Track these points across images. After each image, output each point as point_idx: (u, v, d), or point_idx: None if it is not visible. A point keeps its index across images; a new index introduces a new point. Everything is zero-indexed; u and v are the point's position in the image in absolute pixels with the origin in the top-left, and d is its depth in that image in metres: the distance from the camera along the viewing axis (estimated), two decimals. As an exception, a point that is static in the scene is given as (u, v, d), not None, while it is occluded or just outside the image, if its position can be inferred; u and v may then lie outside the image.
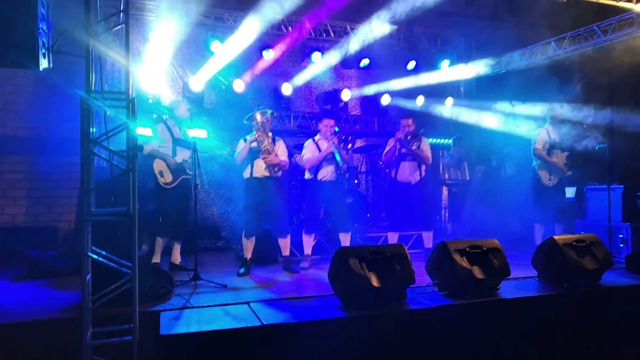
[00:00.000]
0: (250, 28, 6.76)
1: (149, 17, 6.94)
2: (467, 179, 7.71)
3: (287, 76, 7.87)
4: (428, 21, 8.32)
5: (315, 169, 5.41)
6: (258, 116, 5.03)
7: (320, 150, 5.40)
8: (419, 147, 5.62)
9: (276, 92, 7.87)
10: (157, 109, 6.07)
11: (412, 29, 8.65)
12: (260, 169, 5.05)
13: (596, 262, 4.24)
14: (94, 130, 2.89)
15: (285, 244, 5.22)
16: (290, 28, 7.51)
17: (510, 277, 4.01)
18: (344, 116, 8.46)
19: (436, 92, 8.61)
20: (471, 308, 3.65)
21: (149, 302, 3.51)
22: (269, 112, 5.13)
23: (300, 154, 5.74)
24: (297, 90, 8.01)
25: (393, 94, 8.38)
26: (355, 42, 7.53)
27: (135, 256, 2.89)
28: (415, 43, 8.55)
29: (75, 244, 5.77)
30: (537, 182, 5.94)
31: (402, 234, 5.98)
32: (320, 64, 7.74)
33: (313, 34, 7.71)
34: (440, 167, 8.45)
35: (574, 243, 4.29)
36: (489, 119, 8.20)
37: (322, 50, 7.71)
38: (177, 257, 5.15)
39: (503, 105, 8.09)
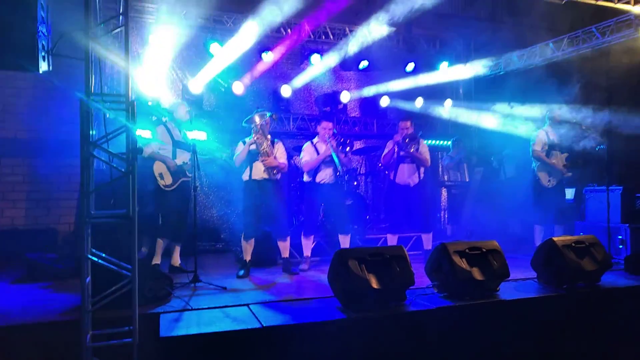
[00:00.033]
0: (250, 31, 6.78)
1: (148, 20, 6.96)
2: (467, 180, 7.72)
3: (287, 78, 7.88)
4: (427, 23, 8.34)
5: (314, 171, 5.41)
6: (257, 119, 5.03)
7: (318, 153, 5.40)
8: (417, 149, 5.63)
9: (275, 94, 7.88)
10: (156, 112, 6.08)
11: (411, 30, 8.67)
12: (259, 171, 5.05)
13: (595, 263, 4.25)
14: (94, 132, 2.90)
15: (284, 246, 5.23)
16: (289, 30, 7.53)
17: (509, 278, 4.01)
18: (343, 118, 8.47)
19: (435, 94, 8.62)
20: (471, 309, 3.65)
21: (148, 304, 3.51)
22: (268, 114, 5.13)
23: (299, 155, 5.74)
24: (296, 92, 8.02)
25: (392, 95, 8.40)
26: (354, 44, 7.55)
27: (135, 258, 2.89)
28: (414, 45, 8.57)
29: (75, 246, 5.77)
30: (537, 184, 5.94)
31: (402, 236, 5.98)
32: (320, 66, 7.75)
33: (312, 36, 7.73)
34: (440, 169, 8.46)
35: (573, 244, 4.30)
36: (488, 120, 8.21)
37: (321, 52, 7.73)
38: (176, 259, 5.15)
39: (502, 107, 8.11)
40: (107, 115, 2.98)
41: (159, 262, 4.96)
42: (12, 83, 6.34)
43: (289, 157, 6.02)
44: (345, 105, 8.53)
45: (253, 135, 5.04)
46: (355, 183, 7.55)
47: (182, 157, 5.04)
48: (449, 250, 3.85)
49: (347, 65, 8.08)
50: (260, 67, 7.44)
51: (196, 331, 2.99)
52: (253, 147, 5.03)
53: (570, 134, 6.06)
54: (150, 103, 6.37)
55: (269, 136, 5.14)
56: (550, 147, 5.86)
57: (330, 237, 6.12)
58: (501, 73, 8.64)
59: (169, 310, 3.45)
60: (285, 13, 6.38)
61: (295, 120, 8.07)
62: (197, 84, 7.02)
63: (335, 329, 3.25)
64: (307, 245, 5.50)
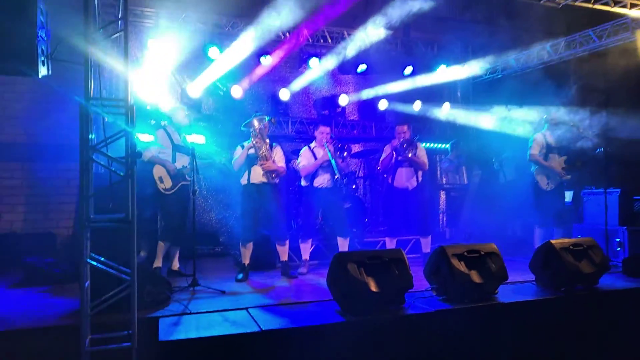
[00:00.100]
0: (248, 35, 6.79)
1: (147, 24, 6.98)
2: (465, 183, 7.73)
3: (285, 82, 7.90)
4: (424, 26, 8.37)
5: (312, 176, 5.42)
6: (255, 123, 5.04)
7: (315, 158, 5.41)
8: (414, 154, 5.65)
9: (274, 97, 7.89)
10: (155, 115, 6.09)
11: (409, 34, 8.70)
12: (257, 175, 5.06)
13: (593, 265, 4.26)
14: (93, 136, 2.91)
15: (283, 250, 5.23)
16: (287, 34, 7.55)
17: (508, 281, 4.02)
18: (341, 121, 8.49)
19: (433, 97, 8.65)
20: (469, 312, 3.66)
21: (147, 308, 3.51)
22: (267, 118, 5.15)
23: (297, 160, 5.75)
24: (294, 95, 8.04)
25: (390, 99, 8.42)
26: (352, 47, 7.57)
27: (134, 262, 2.89)
28: (412, 48, 8.60)
29: (73, 250, 5.76)
30: (536, 187, 5.95)
31: (400, 239, 5.99)
32: (318, 70, 7.77)
33: (310, 40, 7.75)
34: (438, 172, 8.48)
35: (571, 247, 4.31)
36: (486, 123, 8.24)
37: (320, 56, 7.75)
38: (175, 263, 5.16)
39: (499, 110, 8.13)
40: (106, 119, 2.99)
41: (160, 265, 4.96)
42: (11, 87, 6.35)
43: (288, 160, 6.03)
44: (343, 109, 8.55)
45: (252, 139, 5.05)
46: (353, 186, 7.56)
47: (182, 161, 5.05)
48: (447, 253, 3.86)
49: (345, 68, 8.11)
50: (259, 71, 7.45)
51: (195, 335, 2.99)
52: (252, 151, 5.03)
53: (569, 137, 6.08)
54: (148, 107, 6.38)
55: (267, 140, 5.15)
56: (548, 150, 5.87)
57: (328, 240, 6.12)
58: (499, 76, 8.68)
59: (168, 314, 3.44)
60: (284, 18, 6.40)
61: (293, 124, 8.08)
62: (196, 87, 7.03)
63: (334, 333, 3.25)
64: (306, 249, 5.50)
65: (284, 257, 5.24)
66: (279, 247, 5.24)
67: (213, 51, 6.96)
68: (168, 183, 4.96)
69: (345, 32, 7.85)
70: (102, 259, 2.93)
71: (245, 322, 3.28)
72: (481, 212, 7.11)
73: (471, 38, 8.62)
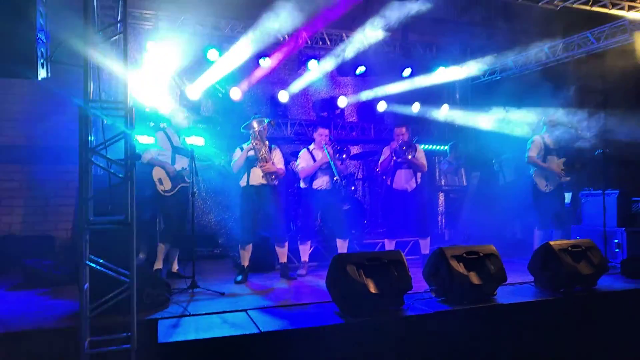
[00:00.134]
0: (247, 37, 6.81)
1: (146, 26, 6.99)
2: (464, 184, 7.74)
3: (284, 84, 7.91)
4: (423, 28, 8.40)
5: (310, 178, 5.43)
6: (255, 125, 5.04)
7: (314, 160, 5.42)
8: (414, 155, 5.66)
9: (273, 99, 7.90)
10: (154, 117, 6.10)
11: (407, 36, 8.72)
12: (257, 177, 5.06)
13: (592, 267, 4.27)
14: (92, 139, 2.91)
15: (282, 251, 5.23)
16: (286, 37, 7.56)
17: (507, 282, 4.03)
18: (340, 123, 8.50)
19: (432, 99, 8.67)
20: (468, 314, 3.66)
21: (146, 310, 3.51)
22: (266, 120, 5.15)
23: (296, 162, 5.76)
24: (293, 97, 8.05)
25: (389, 100, 8.43)
26: (351, 49, 7.59)
27: (134, 264, 2.90)
28: (411, 50, 8.62)
29: (72, 252, 5.76)
30: (535, 189, 5.96)
31: (399, 241, 5.99)
32: (317, 72, 7.79)
33: (309, 42, 7.76)
34: (437, 173, 8.49)
35: (569, 248, 4.32)
36: (485, 124, 8.25)
37: (318, 57, 7.76)
38: (174, 265, 5.16)
39: (498, 111, 8.15)
40: (105, 122, 2.99)
41: (160, 267, 4.95)
42: (10, 89, 6.35)
43: (287, 162, 6.04)
44: (342, 111, 8.56)
45: (251, 141, 5.05)
46: (352, 188, 7.57)
47: (181, 163, 5.06)
48: (446, 255, 3.86)
49: (344, 70, 8.13)
50: (258, 73, 7.46)
51: (194, 337, 2.99)
52: (251, 152, 5.04)
53: (567, 138, 6.09)
54: (147, 109, 6.38)
55: (266, 142, 5.16)
56: (547, 153, 5.88)
57: (327, 242, 6.12)
58: (497, 78, 8.70)
59: (167, 316, 3.44)
60: (283, 20, 6.41)
61: (292, 126, 8.09)
62: (195, 90, 7.04)
63: (333, 334, 3.26)
64: (305, 250, 5.50)
65: (283, 258, 5.24)
66: (278, 249, 5.24)
67: (212, 53, 6.98)
68: (167, 185, 4.96)
69: (344, 34, 7.87)
70: (101, 261, 2.93)
71: (245, 323, 3.28)
72: (480, 213, 7.12)
73: (469, 40, 8.65)
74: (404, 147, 5.57)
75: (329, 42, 7.90)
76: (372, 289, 3.45)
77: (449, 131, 8.93)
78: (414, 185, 5.70)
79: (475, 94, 9.13)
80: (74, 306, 3.58)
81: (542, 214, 5.88)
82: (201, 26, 7.13)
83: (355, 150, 8.40)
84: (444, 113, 8.69)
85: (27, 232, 6.36)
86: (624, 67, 6.96)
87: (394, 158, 5.65)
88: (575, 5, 6.00)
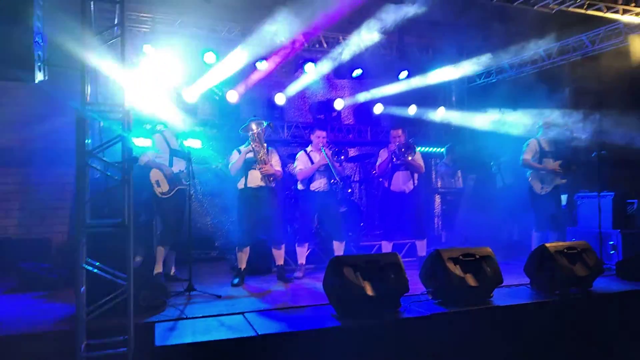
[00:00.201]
0: (244, 40, 6.82)
1: (143, 29, 6.99)
2: (461, 186, 7.76)
3: (281, 86, 7.93)
4: (419, 31, 8.41)
5: (308, 180, 5.44)
6: (254, 126, 5.03)
7: (312, 162, 5.43)
8: (413, 157, 5.68)
9: (270, 102, 7.92)
10: (151, 120, 6.08)
11: (404, 39, 8.74)
12: (255, 179, 5.06)
13: (587, 269, 4.29)
14: (89, 141, 2.91)
15: (279, 254, 5.23)
16: (283, 39, 7.57)
17: (503, 284, 4.04)
18: (337, 126, 8.52)
19: (428, 101, 8.70)
20: (465, 316, 3.68)
21: (143, 313, 3.50)
22: (265, 123, 5.15)
23: (293, 164, 5.76)
24: (290, 100, 8.06)
25: (386, 103, 8.46)
26: (347, 52, 7.61)
27: (131, 267, 2.89)
28: (407, 53, 8.65)
29: (69, 255, 5.74)
30: (530, 191, 5.99)
31: (396, 243, 6.00)
32: (313, 74, 7.80)
33: (306, 45, 7.78)
34: (433, 175, 8.51)
35: (565, 250, 4.34)
36: (481, 126, 8.28)
37: (315, 60, 7.78)
38: (171, 268, 5.14)
39: (494, 113, 8.19)
40: (101, 124, 3.00)
41: (160, 270, 4.90)
42: (7, 92, 6.33)
43: (283, 164, 6.05)
44: (339, 113, 8.59)
45: (250, 143, 5.04)
46: (349, 190, 7.58)
47: (179, 166, 5.04)
48: (443, 257, 3.87)
49: (341, 73, 8.15)
50: (255, 76, 7.47)
51: (191, 340, 2.99)
52: (250, 155, 5.03)
53: (563, 140, 6.12)
54: (144, 111, 6.37)
55: (265, 144, 5.15)
56: (543, 155, 5.91)
57: (324, 244, 6.13)
58: (493, 80, 8.74)
59: (163, 319, 3.44)
60: (280, 23, 6.42)
61: (289, 128, 8.10)
62: (192, 92, 7.04)
63: (330, 337, 3.26)
64: (302, 253, 5.51)
65: (280, 261, 5.24)
66: (275, 251, 5.24)
67: (209, 56, 6.98)
68: (165, 187, 4.94)
69: (340, 37, 7.89)
70: (98, 264, 2.93)
71: (242, 326, 3.28)
72: (477, 215, 7.14)
73: (466, 42, 8.67)
74: (403, 149, 5.59)
75: (325, 45, 7.92)
76: (369, 291, 3.46)
77: (445, 133, 8.96)
78: (412, 187, 5.72)
79: (471, 96, 9.16)
80: (71, 309, 3.58)
81: (539, 216, 5.91)
82: (198, 29, 7.13)
83: (352, 152, 8.42)
84: (440, 115, 8.72)
85: (23, 235, 6.34)
86: (619, 69, 7.01)
87: (393, 159, 5.66)
88: (570, 9, 6.05)
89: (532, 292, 4.33)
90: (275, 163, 5.19)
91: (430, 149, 8.76)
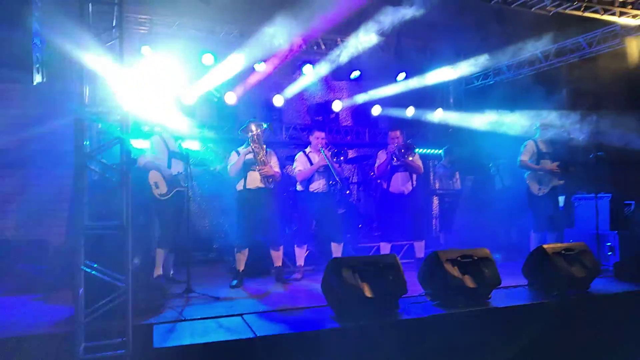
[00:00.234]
0: (243, 42, 6.82)
1: (141, 31, 6.98)
2: (459, 188, 7.78)
3: (279, 88, 7.92)
4: (417, 33, 8.41)
5: (307, 181, 5.44)
6: (253, 128, 5.02)
7: (311, 163, 5.44)
8: (412, 157, 5.69)
9: (268, 103, 7.91)
10: (149, 122, 6.08)
11: (402, 40, 8.74)
12: (254, 180, 5.05)
13: (585, 270, 4.31)
14: (87, 143, 2.91)
15: (277, 255, 5.23)
16: (281, 41, 7.57)
17: (501, 285, 4.05)
18: (335, 127, 8.53)
19: (426, 103, 8.72)
20: (463, 317, 3.68)
21: (141, 315, 3.50)
22: (265, 125, 5.15)
23: (292, 165, 5.77)
24: (288, 101, 8.07)
25: (383, 105, 8.47)
26: (345, 54, 7.62)
27: (129, 269, 2.89)
28: (405, 54, 8.65)
29: (67, 257, 5.72)
30: (528, 192, 6.00)
31: (394, 244, 6.01)
32: (312, 76, 7.81)
33: (304, 47, 7.79)
34: (431, 177, 8.52)
35: (563, 252, 4.35)
36: (479, 128, 8.30)
37: (313, 62, 7.79)
38: (169, 270, 5.14)
39: (492, 115, 8.20)
40: (99, 126, 3.00)
41: (161, 273, 4.88)
42: (4, 94, 6.31)
43: (281, 166, 6.05)
44: (337, 115, 8.60)
45: (250, 144, 5.03)
46: (347, 192, 7.58)
47: (177, 167, 5.04)
48: (441, 259, 3.88)
49: (338, 75, 8.15)
50: (253, 78, 7.47)
51: (190, 342, 2.99)
52: (250, 156, 5.03)
53: (560, 141, 6.13)
54: (143, 113, 6.37)
55: (264, 145, 5.15)
56: (540, 157, 5.92)
57: (322, 246, 6.12)
58: (491, 82, 8.76)
59: (162, 321, 3.44)
60: (278, 25, 6.42)
61: (287, 130, 8.11)
62: (190, 94, 7.04)
63: (329, 338, 3.26)
64: (301, 254, 5.51)
65: (278, 262, 5.24)
66: (273, 253, 5.23)
67: (207, 58, 6.98)
68: (163, 189, 4.94)
69: (338, 39, 7.90)
70: (96, 265, 2.92)
71: (240, 328, 3.28)
72: (475, 217, 7.15)
73: (463, 44, 8.70)
74: (403, 150, 5.60)
75: (323, 47, 7.93)
76: (368, 293, 3.46)
77: (443, 135, 8.97)
78: (410, 188, 5.73)
79: (469, 98, 9.18)
80: (69, 311, 3.57)
81: (537, 217, 5.93)
82: (197, 31, 7.13)
83: (350, 154, 8.42)
84: (438, 117, 8.74)
85: (21, 237, 6.30)
86: (616, 71, 7.03)
87: (394, 160, 5.66)
88: (567, 11, 6.07)
89: (530, 294, 4.34)
90: (274, 164, 5.19)
91: (428, 151, 8.77)
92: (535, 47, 7.61)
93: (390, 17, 6.70)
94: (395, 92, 8.32)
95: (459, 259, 3.93)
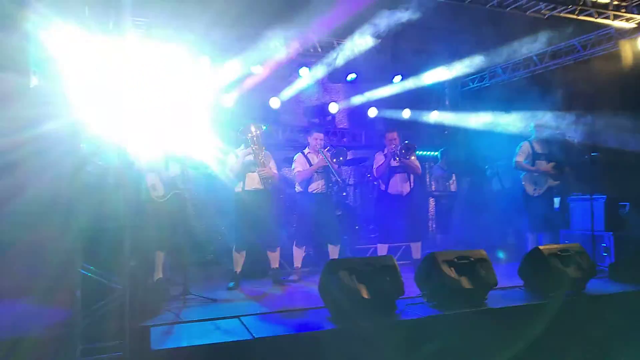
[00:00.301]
0: (240, 45, 6.83)
1: (139, 33, 6.97)
2: (455, 190, 7.80)
3: (275, 91, 7.94)
4: (413, 36, 8.45)
5: (306, 182, 5.45)
6: (253, 129, 5.01)
7: (310, 164, 5.45)
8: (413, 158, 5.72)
9: (264, 106, 7.92)
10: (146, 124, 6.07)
11: (398, 43, 8.78)
12: (253, 182, 5.05)
13: (581, 271, 4.33)
14: (85, 145, 2.91)
15: (274, 257, 5.23)
16: (278, 44, 7.58)
17: (497, 286, 4.07)
18: (331, 129, 8.55)
19: (422, 105, 8.75)
20: (460, 318, 3.69)
21: (139, 317, 3.49)
22: (264, 127, 5.15)
23: (290, 167, 5.78)
24: (285, 104, 8.08)
25: (380, 107, 8.50)
26: (342, 56, 7.64)
27: (126, 272, 2.89)
28: (401, 56, 8.69)
29: (64, 260, 5.69)
30: (523, 193, 6.04)
31: (391, 245, 6.02)
32: (308, 79, 7.83)
33: (301, 50, 7.80)
34: (427, 179, 8.55)
35: (558, 252, 4.37)
36: (475, 130, 8.33)
37: (310, 65, 7.81)
38: (166, 272, 5.13)
39: (488, 116, 8.24)
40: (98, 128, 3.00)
41: (161, 276, 4.85)
42: (2, 95, 6.29)
43: (278, 168, 6.05)
44: (333, 117, 8.61)
45: (250, 145, 5.03)
46: (344, 194, 7.59)
47: (175, 170, 5.03)
48: (437, 260, 3.89)
49: (335, 77, 8.18)
50: (250, 80, 7.48)
51: (187, 344, 2.99)
52: (249, 157, 5.03)
53: (555, 142, 6.16)
54: (139, 115, 6.36)
55: (263, 147, 5.15)
56: (535, 158, 5.95)
57: (319, 247, 6.12)
58: (486, 84, 8.81)
59: (159, 323, 3.44)
60: (275, 28, 6.44)
61: (284, 132, 8.12)
62: (188, 96, 7.02)
63: (326, 340, 3.27)
64: (298, 256, 5.51)
65: (275, 264, 5.24)
66: (270, 254, 5.24)
67: (205, 60, 6.98)
68: (161, 190, 4.93)
69: (335, 42, 7.92)
70: (93, 268, 2.92)
71: (238, 330, 3.29)
72: (472, 218, 7.17)
73: (459, 47, 8.74)
74: (404, 150, 5.62)
75: (320, 50, 7.94)
76: (365, 294, 3.47)
77: (440, 137, 9.00)
78: (408, 189, 5.76)
79: (464, 100, 9.23)
80: (66, 313, 3.56)
81: (532, 218, 5.95)
82: (193, 34, 7.13)
83: (347, 156, 8.42)
84: (434, 119, 8.77)
85: (18, 238, 6.28)
86: (610, 73, 7.07)
87: (395, 160, 5.68)
88: (562, 14, 6.12)
89: (526, 295, 4.36)
90: (272, 166, 5.20)
91: (425, 153, 8.80)
92: (530, 50, 7.66)
93: (386, 20, 6.73)
94: (391, 94, 8.35)
95: (455, 260, 3.95)
